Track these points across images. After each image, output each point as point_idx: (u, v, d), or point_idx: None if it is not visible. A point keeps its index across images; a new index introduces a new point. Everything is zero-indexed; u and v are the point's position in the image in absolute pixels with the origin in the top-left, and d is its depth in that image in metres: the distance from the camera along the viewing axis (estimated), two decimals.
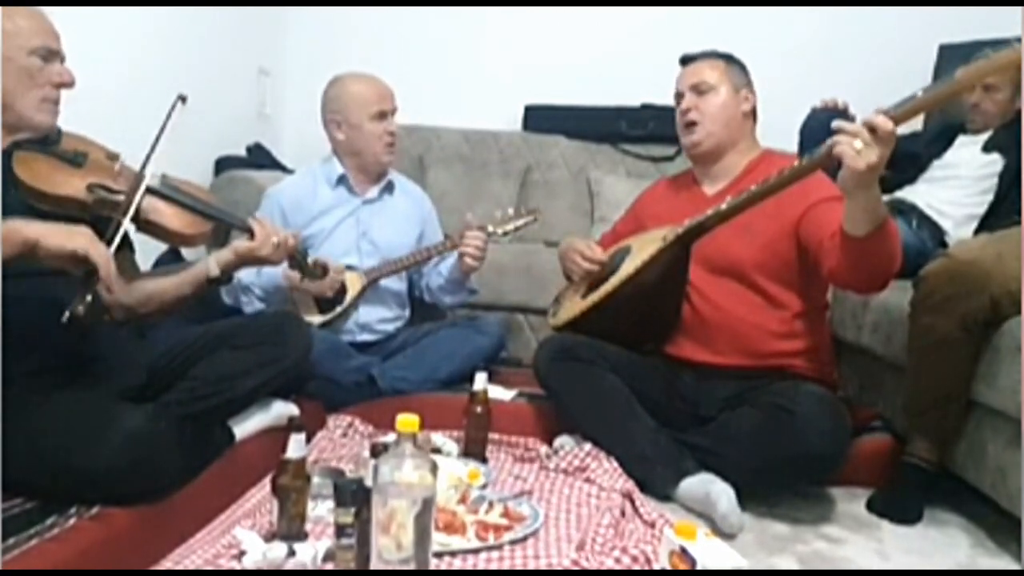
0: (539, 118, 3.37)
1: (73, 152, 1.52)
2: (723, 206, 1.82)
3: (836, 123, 1.48)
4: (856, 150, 1.43)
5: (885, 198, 2.47)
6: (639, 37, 3.29)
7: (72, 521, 1.22)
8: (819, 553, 1.58)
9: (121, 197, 1.49)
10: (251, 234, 1.67)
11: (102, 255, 1.27)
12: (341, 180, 2.32)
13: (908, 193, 2.46)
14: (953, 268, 1.68)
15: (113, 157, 1.58)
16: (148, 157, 1.54)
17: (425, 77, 3.30)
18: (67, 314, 1.28)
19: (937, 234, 2.34)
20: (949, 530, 1.72)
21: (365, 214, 2.32)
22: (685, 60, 2.05)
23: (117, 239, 1.42)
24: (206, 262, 1.68)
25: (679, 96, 2.02)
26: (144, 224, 1.56)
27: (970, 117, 2.42)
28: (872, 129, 1.43)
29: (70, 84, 1.51)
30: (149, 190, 1.53)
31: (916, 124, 2.93)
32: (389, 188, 2.37)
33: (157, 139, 1.54)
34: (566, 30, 3.38)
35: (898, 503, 1.77)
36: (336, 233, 2.28)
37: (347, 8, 3.42)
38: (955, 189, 2.37)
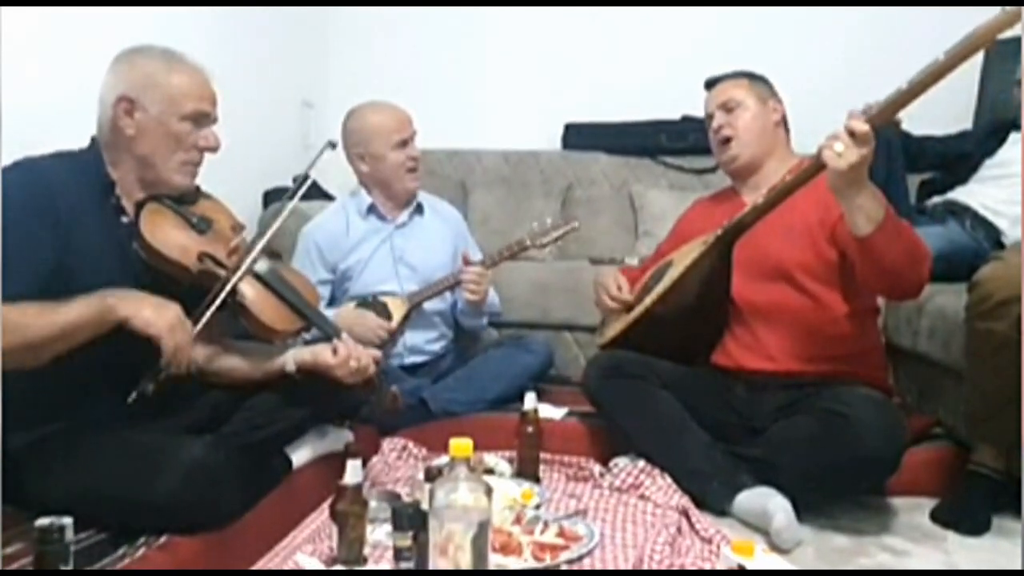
0: (578, 136, 3.38)
1: (200, 216, 1.52)
2: (760, 200, 1.83)
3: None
4: (837, 152, 1.50)
5: (938, 200, 2.45)
6: (676, 51, 3.28)
7: (141, 551, 1.26)
8: (883, 566, 1.54)
9: (225, 273, 1.49)
10: (334, 350, 1.59)
11: (173, 343, 1.33)
12: (371, 209, 2.33)
13: (960, 194, 2.41)
14: (1006, 271, 1.64)
15: (237, 228, 1.59)
16: (255, 243, 1.55)
17: (464, 101, 3.35)
18: (134, 393, 1.38)
19: (993, 234, 2.29)
20: (1018, 539, 1.66)
21: (399, 239, 2.33)
22: (709, 84, 2.09)
23: (205, 318, 1.44)
24: (285, 357, 1.61)
25: (709, 117, 2.05)
26: (236, 307, 1.52)
27: (1022, 113, 2.36)
28: (851, 132, 1.49)
29: (214, 149, 1.52)
30: (254, 274, 1.53)
31: (966, 123, 2.87)
32: (419, 210, 2.38)
33: (270, 226, 1.58)
34: (602, 48, 3.39)
35: (964, 513, 1.72)
36: (372, 262, 2.29)
37: (386, 38, 3.49)
38: (1010, 188, 2.31)
